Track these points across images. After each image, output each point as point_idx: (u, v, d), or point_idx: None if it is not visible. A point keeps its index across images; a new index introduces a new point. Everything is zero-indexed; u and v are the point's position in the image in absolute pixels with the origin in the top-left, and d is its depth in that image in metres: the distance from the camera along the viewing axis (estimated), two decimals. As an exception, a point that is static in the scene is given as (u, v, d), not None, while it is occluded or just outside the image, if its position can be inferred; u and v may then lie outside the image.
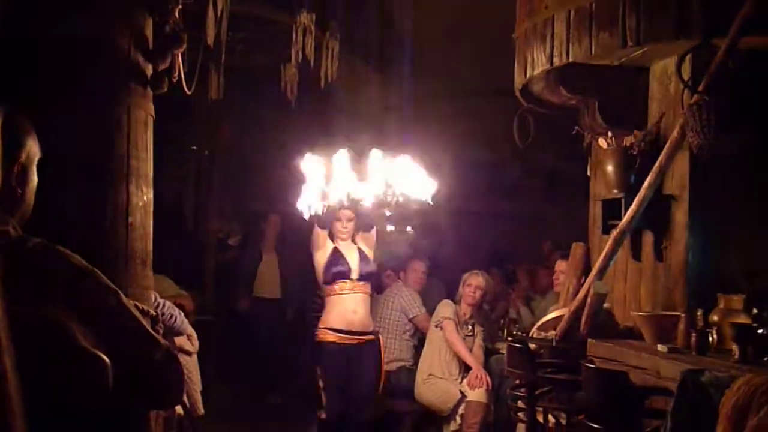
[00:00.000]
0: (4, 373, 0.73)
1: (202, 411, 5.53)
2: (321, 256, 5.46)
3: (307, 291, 7.39)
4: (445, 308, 6.36)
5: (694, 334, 3.77)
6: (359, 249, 5.50)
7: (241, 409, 7.80)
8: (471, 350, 6.29)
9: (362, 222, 5.49)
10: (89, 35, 2.86)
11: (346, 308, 5.37)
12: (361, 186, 5.00)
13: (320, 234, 5.44)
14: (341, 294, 5.39)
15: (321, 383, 5.38)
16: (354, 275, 5.40)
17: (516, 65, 5.14)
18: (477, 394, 5.96)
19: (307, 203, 4.99)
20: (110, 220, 2.88)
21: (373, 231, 5.59)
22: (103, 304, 1.62)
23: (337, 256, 5.44)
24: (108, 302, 1.63)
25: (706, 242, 4.28)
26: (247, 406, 7.77)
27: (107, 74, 2.91)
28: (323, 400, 5.37)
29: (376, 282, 7.05)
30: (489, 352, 6.41)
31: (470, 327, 6.43)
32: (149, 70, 3.12)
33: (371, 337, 5.52)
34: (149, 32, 3.12)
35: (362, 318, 5.42)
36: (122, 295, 1.71)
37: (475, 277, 6.42)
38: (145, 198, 3.04)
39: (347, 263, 5.41)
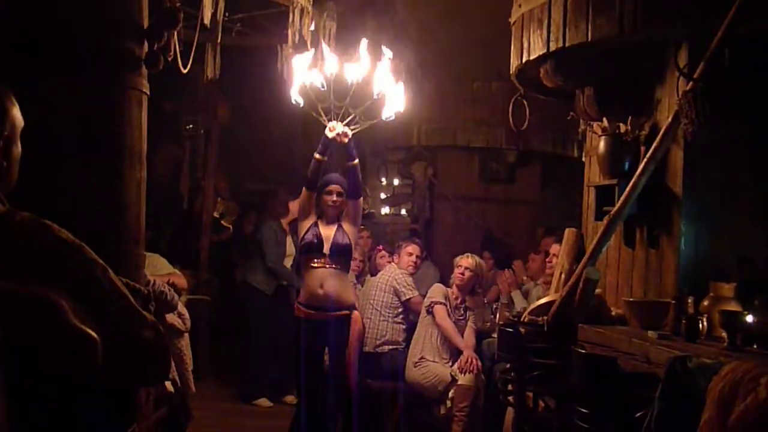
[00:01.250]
0: None
1: (193, 389, 5.57)
2: (303, 227, 5.51)
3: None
4: (436, 292, 6.39)
5: (684, 321, 3.79)
6: (339, 225, 5.49)
7: (233, 388, 7.83)
8: (462, 334, 6.32)
9: (350, 190, 5.46)
10: (84, 13, 2.85)
11: (315, 283, 5.38)
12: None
13: (306, 197, 5.47)
14: (312, 267, 5.41)
15: (299, 358, 5.46)
16: (325, 249, 5.39)
17: (512, 50, 5.13)
18: (467, 378, 6.00)
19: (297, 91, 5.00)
20: (103, 198, 2.88)
21: (360, 200, 5.60)
22: (90, 278, 1.62)
23: (313, 229, 5.46)
24: (95, 277, 1.63)
25: (698, 230, 4.29)
26: (239, 384, 7.80)
27: (101, 52, 2.90)
28: (301, 375, 5.44)
29: (365, 264, 7.18)
30: (480, 337, 6.44)
31: (462, 311, 6.46)
32: (145, 48, 3.11)
33: (342, 313, 5.43)
34: (145, 10, 3.11)
35: (331, 293, 5.37)
36: (110, 270, 1.71)
37: (465, 259, 6.44)
38: (138, 176, 3.04)
39: (320, 237, 5.41)
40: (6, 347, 0.74)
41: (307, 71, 4.94)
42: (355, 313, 5.53)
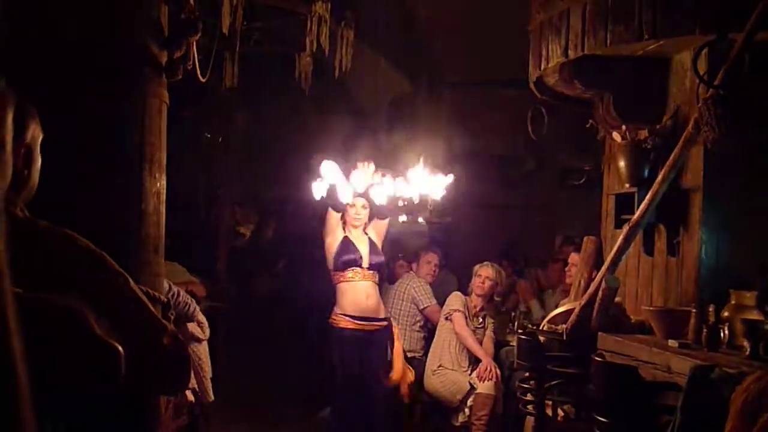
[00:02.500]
0: (13, 362, 0.74)
1: (212, 397, 5.57)
2: (332, 242, 5.52)
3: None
4: (454, 300, 6.37)
5: (705, 330, 3.75)
6: (369, 239, 5.58)
7: (252, 396, 7.84)
8: (481, 342, 6.30)
9: (378, 209, 5.58)
10: (105, 23, 2.87)
11: (359, 295, 5.45)
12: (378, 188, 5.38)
13: (333, 216, 5.51)
14: (353, 281, 5.47)
15: (335, 369, 5.48)
16: (365, 263, 5.48)
17: (531, 57, 5.12)
18: (486, 387, 5.97)
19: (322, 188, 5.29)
20: (123, 207, 2.89)
21: (387, 220, 5.70)
22: (110, 287, 1.63)
23: (347, 243, 5.50)
24: (116, 286, 1.64)
25: (719, 238, 4.26)
26: (258, 392, 7.80)
27: (122, 61, 2.92)
28: (337, 386, 5.47)
29: (385, 272, 7.16)
30: (499, 345, 6.41)
31: (481, 319, 6.43)
32: (164, 57, 3.13)
33: (384, 323, 5.63)
34: (165, 20, 3.12)
35: (375, 305, 5.52)
36: (130, 279, 1.72)
37: (485, 269, 6.42)
38: (158, 184, 3.05)
39: (358, 251, 5.49)
40: (30, 357, 0.74)
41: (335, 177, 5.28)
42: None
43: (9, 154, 0.78)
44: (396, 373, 5.86)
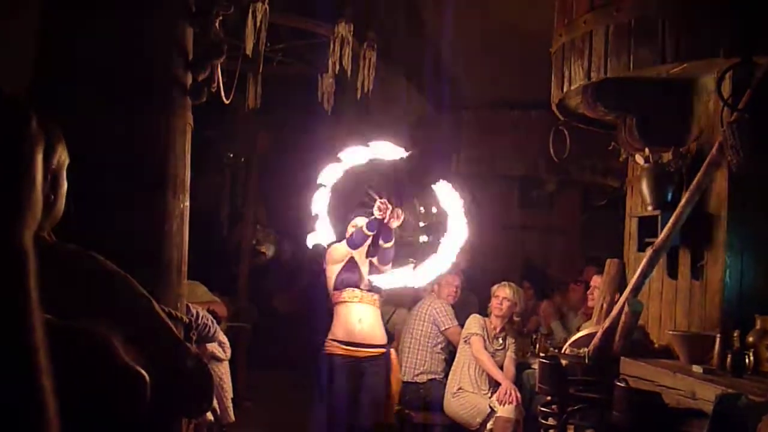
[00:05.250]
0: (43, 397, 0.74)
1: (232, 418, 5.57)
2: (336, 268, 5.33)
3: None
4: (473, 323, 6.34)
5: (730, 356, 3.71)
6: (370, 262, 5.32)
7: (272, 416, 7.82)
8: (502, 364, 6.26)
9: (384, 234, 5.25)
10: (130, 46, 2.90)
11: (351, 318, 5.20)
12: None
13: (346, 253, 5.28)
14: (347, 302, 5.23)
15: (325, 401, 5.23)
16: (363, 284, 5.24)
17: (553, 79, 5.12)
18: (506, 410, 5.92)
19: (317, 237, 5.11)
20: (147, 228, 2.91)
21: (392, 242, 5.30)
22: (135, 310, 1.63)
23: (351, 263, 5.30)
24: (140, 309, 1.65)
25: (743, 261, 4.22)
26: (278, 413, 7.79)
27: (148, 84, 2.95)
28: (327, 420, 5.22)
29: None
30: (520, 367, 6.37)
31: (501, 340, 6.40)
32: (189, 80, 3.16)
33: (379, 350, 5.29)
34: (190, 43, 3.16)
35: (369, 329, 5.22)
36: (154, 301, 1.73)
37: (502, 289, 6.38)
38: (182, 206, 3.07)
39: (359, 271, 5.27)
40: (57, 385, 0.75)
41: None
42: (392, 350, 5.43)
43: (39, 193, 0.79)
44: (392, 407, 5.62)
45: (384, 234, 5.14)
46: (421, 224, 10.55)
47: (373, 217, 5.07)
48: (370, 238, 5.14)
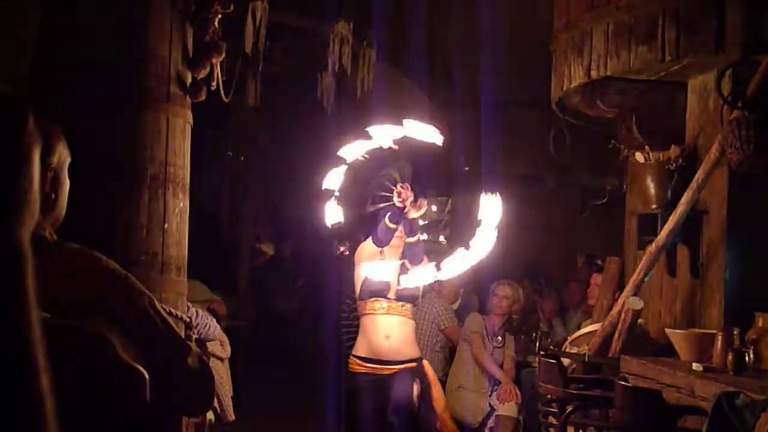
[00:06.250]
0: (41, 396, 0.74)
1: (232, 417, 5.56)
2: (364, 271, 4.66)
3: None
4: (472, 322, 6.33)
5: (730, 353, 3.70)
6: (403, 264, 4.65)
7: (273, 415, 7.82)
8: (501, 362, 6.26)
9: (406, 227, 4.64)
10: (128, 45, 2.90)
11: (377, 333, 4.61)
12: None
13: (374, 251, 4.68)
14: (374, 314, 4.63)
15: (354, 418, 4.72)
16: (391, 294, 4.60)
17: (553, 78, 5.12)
18: (507, 408, 5.92)
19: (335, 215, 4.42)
20: (146, 227, 2.92)
21: (416, 237, 4.70)
22: (137, 309, 1.63)
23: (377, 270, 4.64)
24: (142, 308, 1.65)
25: (743, 259, 4.22)
26: (278, 411, 7.79)
27: (146, 83, 2.95)
28: None
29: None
30: (520, 366, 6.37)
31: (500, 338, 6.39)
32: (188, 78, 3.16)
33: (408, 365, 4.66)
34: (189, 42, 3.16)
35: (397, 344, 4.62)
36: (155, 300, 1.73)
37: (502, 287, 6.38)
38: (181, 204, 3.08)
39: (387, 282, 4.60)
40: (56, 384, 0.75)
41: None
42: (425, 362, 4.89)
43: (36, 192, 0.79)
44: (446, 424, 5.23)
45: (405, 227, 4.59)
46: (421, 223, 10.55)
47: (390, 203, 4.46)
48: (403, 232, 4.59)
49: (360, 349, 4.68)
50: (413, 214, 4.54)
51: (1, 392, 0.71)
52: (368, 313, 4.65)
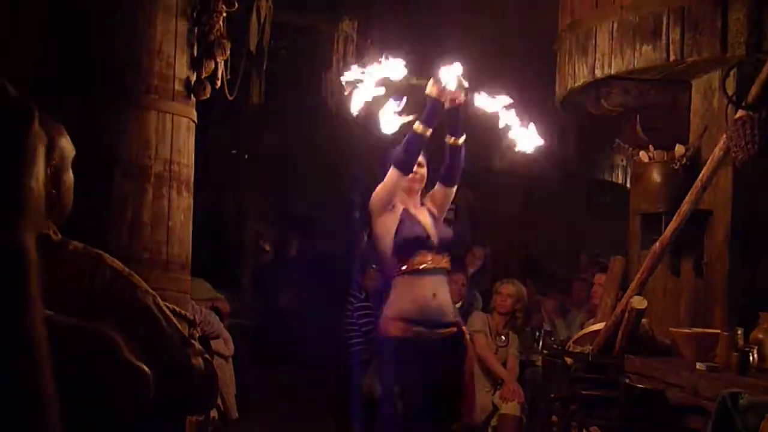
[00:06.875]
0: (46, 398, 0.74)
1: (236, 415, 5.58)
2: (390, 220, 3.92)
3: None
4: (476, 321, 6.33)
5: (734, 353, 3.70)
6: (429, 211, 4.07)
7: (276, 413, 7.83)
8: (505, 361, 6.25)
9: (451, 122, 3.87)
10: (132, 45, 2.91)
11: (423, 291, 3.90)
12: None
13: (400, 182, 3.87)
14: (418, 271, 3.90)
15: (382, 390, 4.15)
16: (434, 242, 3.95)
17: (557, 76, 5.12)
18: (510, 407, 5.92)
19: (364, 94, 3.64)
20: (151, 224, 2.92)
21: (453, 189, 4.11)
22: (141, 308, 1.63)
23: (410, 217, 3.95)
24: (146, 306, 1.65)
25: (748, 259, 4.21)
26: (282, 410, 7.79)
27: (151, 81, 2.95)
28: (388, 413, 3.95)
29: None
30: (524, 365, 6.36)
31: (504, 337, 6.39)
32: (193, 77, 3.16)
33: (454, 329, 4.08)
34: (194, 40, 3.16)
35: (444, 304, 3.98)
36: (158, 298, 1.73)
37: (506, 286, 6.36)
38: (185, 203, 3.08)
39: (423, 227, 3.95)
40: (59, 382, 0.75)
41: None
42: (464, 328, 4.25)
43: (42, 192, 0.80)
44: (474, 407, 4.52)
45: (451, 123, 3.83)
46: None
47: (428, 103, 3.72)
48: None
49: (402, 309, 3.91)
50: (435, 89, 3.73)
51: (6, 394, 0.71)
52: (411, 271, 3.91)
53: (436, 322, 3.94)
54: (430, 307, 3.91)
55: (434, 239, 3.92)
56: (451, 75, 3.65)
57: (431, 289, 3.91)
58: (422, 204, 4.06)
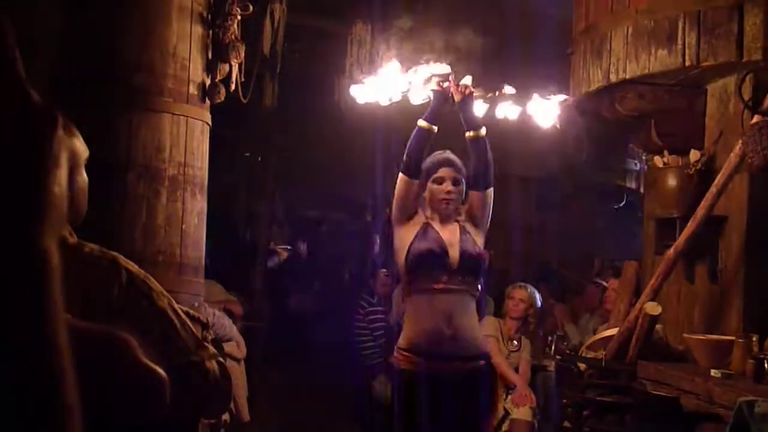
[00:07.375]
0: (69, 406, 0.74)
1: (248, 417, 5.58)
2: (407, 232, 3.56)
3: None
4: (487, 325, 6.29)
5: (749, 360, 3.67)
6: (462, 228, 3.60)
7: (288, 416, 7.83)
8: (517, 366, 6.23)
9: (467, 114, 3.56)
10: (149, 47, 2.91)
11: (435, 314, 3.45)
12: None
13: (410, 187, 3.55)
14: (431, 291, 3.48)
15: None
16: (453, 265, 3.49)
17: (571, 80, 5.10)
18: (522, 412, 5.89)
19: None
20: (165, 227, 2.93)
21: (489, 191, 3.66)
22: (155, 311, 1.64)
23: (429, 232, 3.53)
24: (160, 309, 1.65)
25: (763, 265, 4.18)
26: (293, 412, 7.79)
27: (166, 84, 2.96)
28: None
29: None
30: (535, 369, 6.34)
31: (516, 342, 6.36)
32: (207, 80, 3.17)
33: (478, 363, 3.57)
34: (209, 43, 3.17)
35: (462, 332, 3.48)
36: (173, 301, 1.73)
37: (519, 290, 6.33)
38: (199, 206, 3.08)
39: (443, 245, 3.50)
40: (79, 386, 0.75)
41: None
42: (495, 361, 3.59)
43: (64, 196, 0.80)
44: None
45: (466, 117, 3.57)
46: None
47: (433, 96, 3.54)
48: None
49: (411, 336, 3.51)
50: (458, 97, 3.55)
51: (29, 404, 0.71)
52: (422, 292, 3.52)
53: (451, 355, 3.46)
54: (443, 336, 3.43)
55: (454, 258, 3.47)
56: (455, 71, 3.55)
57: (445, 313, 3.44)
58: (458, 223, 3.62)
